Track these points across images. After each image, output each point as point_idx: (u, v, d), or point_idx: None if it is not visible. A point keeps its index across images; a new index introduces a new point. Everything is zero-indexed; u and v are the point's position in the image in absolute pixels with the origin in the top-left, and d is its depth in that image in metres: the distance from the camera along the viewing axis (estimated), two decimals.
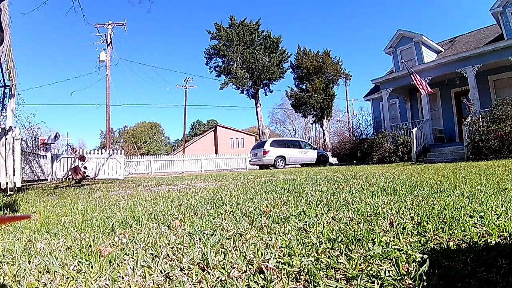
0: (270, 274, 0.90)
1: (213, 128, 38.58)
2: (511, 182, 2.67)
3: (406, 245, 1.08)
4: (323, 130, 30.13)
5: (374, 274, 0.88)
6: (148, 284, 0.91)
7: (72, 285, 0.93)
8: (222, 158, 22.48)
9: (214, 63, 26.81)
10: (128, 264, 1.06)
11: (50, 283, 0.95)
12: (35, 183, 8.63)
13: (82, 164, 9.03)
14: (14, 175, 5.52)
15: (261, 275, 0.91)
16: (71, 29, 66.69)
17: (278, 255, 1.06)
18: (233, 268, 0.99)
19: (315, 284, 0.85)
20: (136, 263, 1.04)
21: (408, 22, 76.96)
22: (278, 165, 14.62)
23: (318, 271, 0.90)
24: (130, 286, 0.91)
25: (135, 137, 49.03)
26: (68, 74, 77.72)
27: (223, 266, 0.99)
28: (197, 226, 1.60)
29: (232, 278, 0.90)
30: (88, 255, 1.16)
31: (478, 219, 1.39)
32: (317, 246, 1.13)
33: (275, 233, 1.36)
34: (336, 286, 0.83)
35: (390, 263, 0.96)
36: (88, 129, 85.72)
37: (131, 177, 12.91)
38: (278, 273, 0.92)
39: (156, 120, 68.93)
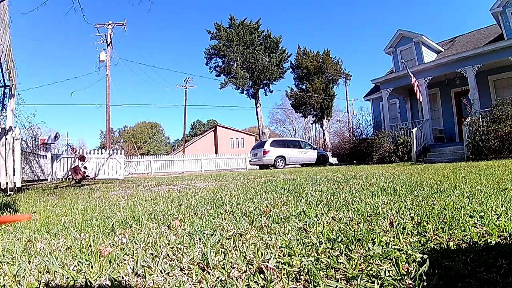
0: (270, 274, 0.90)
1: (213, 128, 38.57)
2: (511, 182, 2.67)
3: (406, 245, 1.08)
4: (323, 130, 30.12)
5: (374, 274, 0.88)
6: (148, 284, 0.91)
7: (72, 285, 0.93)
8: (222, 158, 22.48)
9: (214, 63, 26.83)
10: (128, 264, 1.06)
11: (50, 283, 0.95)
12: (35, 183, 8.63)
13: (82, 164, 9.03)
14: (14, 175, 5.52)
15: (261, 275, 0.91)
16: (71, 29, 66.79)
17: (278, 255, 1.06)
18: (233, 268, 0.99)
19: (315, 284, 0.85)
20: (136, 263, 1.04)
21: (408, 22, 76.98)
22: (278, 165, 14.62)
23: (318, 271, 0.90)
24: (130, 286, 0.91)
25: (135, 137, 49.04)
26: (68, 74, 77.74)
27: (223, 266, 0.99)
28: (197, 226, 1.60)
29: (232, 278, 0.90)
30: (88, 255, 1.16)
31: (478, 219, 1.39)
32: (317, 246, 1.13)
33: (275, 233, 1.36)
34: (336, 286, 0.83)
35: (390, 263, 0.95)
36: (88, 129, 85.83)
37: (131, 177, 12.91)
38: (278, 273, 0.92)
39: (156, 120, 68.97)
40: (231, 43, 25.18)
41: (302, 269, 0.94)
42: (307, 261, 0.97)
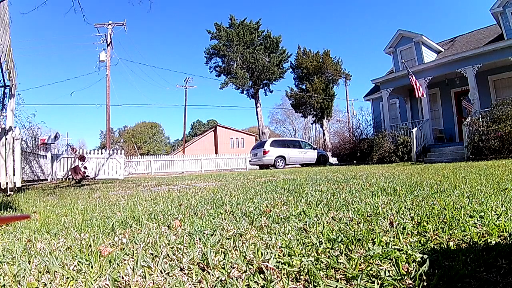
0: (270, 274, 0.90)
1: (213, 128, 38.55)
2: (511, 182, 2.67)
3: (406, 245, 1.08)
4: (323, 130, 30.12)
5: (374, 274, 0.88)
6: (148, 284, 0.91)
7: (72, 285, 0.93)
8: (222, 158, 22.48)
9: (214, 63, 26.83)
10: (128, 264, 1.06)
11: (50, 283, 0.95)
12: (35, 183, 8.63)
13: (82, 164, 9.03)
14: (14, 175, 5.52)
15: (261, 275, 0.91)
16: (71, 29, 66.71)
17: (278, 255, 1.06)
18: (233, 268, 0.99)
19: (315, 284, 0.85)
20: (136, 263, 1.04)
21: (408, 22, 76.98)
22: (278, 165, 14.62)
23: (318, 271, 0.90)
24: (130, 286, 0.91)
25: (135, 137, 49.02)
26: (68, 74, 77.77)
27: (223, 266, 0.99)
28: (197, 226, 1.60)
29: (232, 278, 0.90)
30: (88, 255, 1.16)
31: (478, 219, 1.39)
32: (317, 246, 1.13)
33: (275, 233, 1.35)
34: (336, 286, 0.83)
35: (390, 263, 0.95)
36: (88, 129, 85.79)
37: (131, 177, 12.91)
38: (278, 273, 0.92)
39: (156, 120, 68.93)
40: (231, 43, 25.18)
41: (302, 269, 0.94)
42: (307, 261, 0.97)
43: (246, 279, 0.89)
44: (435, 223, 1.35)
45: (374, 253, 1.01)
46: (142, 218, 1.90)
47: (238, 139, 37.44)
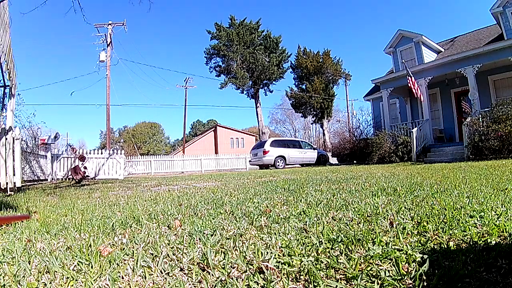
0: (270, 274, 0.90)
1: (213, 128, 38.55)
2: (511, 182, 2.67)
3: (406, 245, 1.08)
4: (323, 130, 30.12)
5: (374, 274, 0.88)
6: (148, 284, 0.91)
7: (72, 285, 0.93)
8: (222, 158, 22.48)
9: (214, 63, 26.84)
10: (128, 264, 1.06)
11: (50, 283, 0.95)
12: (35, 183, 8.63)
13: (82, 164, 9.04)
14: (14, 175, 5.52)
15: (261, 275, 0.91)
16: (71, 29, 66.70)
17: (278, 255, 1.06)
18: (233, 268, 0.99)
19: (315, 284, 0.85)
20: (136, 263, 1.04)
21: (408, 22, 76.98)
22: (278, 165, 14.62)
23: (318, 271, 0.90)
24: (130, 286, 0.91)
25: (135, 137, 49.03)
26: (68, 74, 77.74)
27: (223, 266, 0.99)
28: (197, 226, 1.60)
29: (232, 278, 0.90)
30: (88, 255, 1.16)
31: (478, 219, 1.39)
32: (317, 246, 1.13)
33: (275, 233, 1.35)
34: (336, 286, 0.83)
35: (390, 263, 0.95)
36: (88, 129, 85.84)
37: (131, 177, 12.91)
38: (278, 273, 0.92)
39: (156, 120, 68.94)
40: (231, 43, 25.18)
41: (302, 269, 0.93)
42: (307, 261, 0.97)
43: (246, 279, 0.89)
44: (435, 223, 1.35)
45: (374, 253, 1.01)
46: (142, 218, 1.90)
47: (238, 139, 37.44)
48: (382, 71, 43.07)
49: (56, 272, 1.02)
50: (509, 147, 8.22)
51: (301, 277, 0.90)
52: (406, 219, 1.49)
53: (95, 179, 10.46)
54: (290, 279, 0.90)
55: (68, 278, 0.97)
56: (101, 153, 11.60)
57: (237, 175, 8.73)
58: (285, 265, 0.97)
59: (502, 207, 1.60)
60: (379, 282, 0.83)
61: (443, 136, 12.82)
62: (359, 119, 16.99)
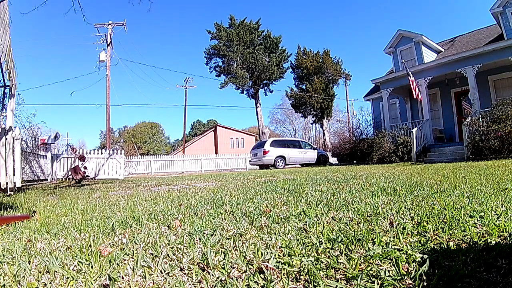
0: (270, 274, 0.90)
1: (213, 128, 38.55)
2: (511, 182, 2.67)
3: (406, 245, 1.08)
4: (323, 130, 30.13)
5: (374, 274, 0.88)
6: (148, 284, 0.91)
7: (72, 285, 0.93)
8: (222, 158, 22.48)
9: (214, 63, 26.85)
10: (128, 264, 1.06)
11: (50, 283, 0.95)
12: (35, 183, 8.63)
13: (82, 164, 9.03)
14: (14, 175, 5.52)
15: (261, 275, 0.91)
16: (71, 29, 66.74)
17: (278, 255, 1.06)
18: (233, 268, 0.99)
19: (315, 284, 0.85)
20: (136, 263, 1.04)
21: (408, 22, 77.00)
22: (278, 165, 14.62)
23: (318, 271, 0.90)
24: (130, 286, 0.91)
25: (135, 137, 49.01)
26: (68, 74, 77.77)
27: (223, 266, 0.99)
28: (197, 226, 1.60)
29: (232, 278, 0.90)
30: (88, 255, 1.16)
31: (478, 219, 1.39)
32: (317, 246, 1.13)
33: (275, 233, 1.35)
34: (336, 286, 0.83)
35: (390, 263, 0.95)
36: (88, 129, 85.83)
37: (131, 177, 12.91)
38: (278, 273, 0.92)
39: (156, 120, 68.98)
40: (231, 43, 25.18)
41: (302, 269, 0.93)
42: (307, 261, 0.97)
43: (246, 279, 0.89)
44: (435, 223, 1.35)
45: (374, 253, 1.01)
46: (142, 218, 1.90)
47: (238, 139, 37.44)
48: (382, 71, 43.10)
49: (56, 272, 1.02)
50: (509, 147, 8.22)
51: (301, 277, 0.90)
52: (406, 219, 1.49)
53: (95, 179, 10.46)
54: (290, 279, 0.90)
55: (68, 278, 0.97)
56: (101, 153, 11.60)
57: (237, 175, 8.73)
58: (285, 265, 0.97)
59: (502, 207, 1.60)
60: (379, 282, 0.83)
61: (443, 136, 12.82)
62: (359, 119, 16.99)
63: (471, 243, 1.08)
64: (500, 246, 1.03)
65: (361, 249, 1.09)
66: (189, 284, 0.90)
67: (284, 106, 44.95)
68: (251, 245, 1.20)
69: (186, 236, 1.41)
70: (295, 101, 29.05)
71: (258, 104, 27.25)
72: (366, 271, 0.90)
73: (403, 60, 12.92)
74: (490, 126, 8.65)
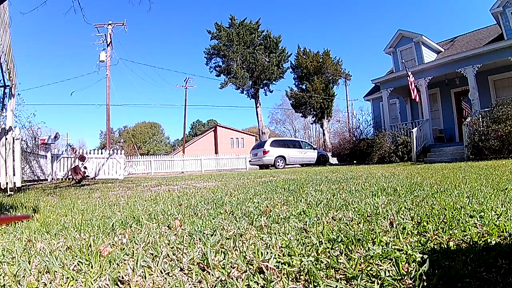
0: (270, 274, 0.90)
1: (213, 128, 38.55)
2: (511, 182, 2.67)
3: (406, 245, 1.08)
4: (323, 130, 30.12)
5: (374, 274, 0.88)
6: (148, 284, 0.91)
7: (72, 285, 0.93)
8: (222, 158, 22.48)
9: (214, 63, 26.83)
10: (128, 264, 1.06)
11: (50, 283, 0.95)
12: (35, 183, 8.63)
13: (82, 164, 9.03)
14: (14, 175, 5.52)
15: (261, 275, 0.91)
16: (71, 29, 66.74)
17: (278, 255, 1.06)
18: (233, 268, 0.99)
19: (315, 284, 0.85)
20: (136, 263, 1.04)
21: (408, 22, 77.00)
22: (278, 165, 14.62)
23: (318, 271, 0.90)
24: (130, 286, 0.91)
25: (135, 137, 49.00)
26: (68, 74, 77.77)
27: (223, 266, 0.99)
28: (197, 226, 1.60)
29: (232, 278, 0.90)
30: (88, 255, 1.16)
31: (478, 219, 1.39)
32: (317, 246, 1.13)
33: (275, 233, 1.35)
34: (336, 286, 0.83)
35: (390, 263, 0.95)
36: (88, 129, 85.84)
37: (131, 177, 12.91)
38: (278, 273, 0.92)
39: (156, 120, 68.97)
40: (231, 43, 25.18)
41: (302, 269, 0.93)
42: (307, 261, 0.97)
43: (246, 279, 0.89)
44: (435, 223, 1.35)
45: (374, 253, 1.01)
46: (142, 218, 1.90)
47: (238, 139, 37.44)
48: (382, 71, 43.09)
49: (56, 272, 1.02)
50: (509, 147, 8.22)
51: (301, 277, 0.90)
52: (406, 219, 1.49)
53: (95, 179, 10.46)
54: (290, 279, 0.90)
55: (68, 278, 0.97)
56: (101, 153, 11.60)
57: (237, 175, 8.73)
58: (285, 265, 0.97)
59: (502, 207, 1.60)
60: (379, 282, 0.83)
61: (443, 136, 12.82)
62: (359, 119, 17.00)
63: (471, 243, 1.08)
64: (500, 246, 1.03)
65: (361, 249, 1.09)
66: (189, 284, 0.90)
67: (284, 106, 44.98)
68: (251, 245, 1.20)
69: (186, 236, 1.41)
70: (295, 101, 29.04)
71: (258, 104, 27.25)
72: (366, 271, 0.90)
73: (403, 60, 12.92)
74: (490, 126, 8.65)
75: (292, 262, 0.99)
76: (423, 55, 12.89)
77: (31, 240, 1.51)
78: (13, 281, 0.95)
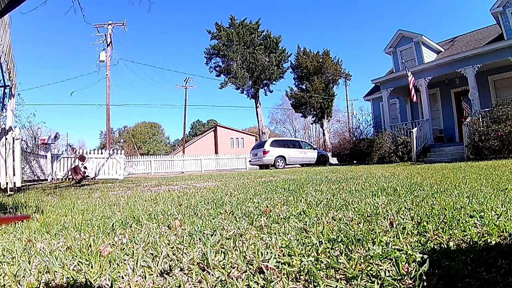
0: (270, 274, 0.90)
1: (213, 128, 38.55)
2: (511, 182, 2.67)
3: (406, 245, 1.07)
4: (323, 130, 30.12)
5: (374, 274, 0.88)
6: (148, 284, 0.91)
7: (72, 285, 0.93)
8: (222, 158, 22.47)
9: (214, 63, 26.82)
10: (128, 264, 1.06)
11: (50, 283, 0.95)
12: (35, 183, 8.63)
13: (82, 164, 9.03)
14: (14, 175, 5.52)
15: (261, 275, 0.91)
16: (71, 29, 66.73)
17: (278, 255, 1.06)
18: (233, 268, 0.99)
19: (315, 284, 0.85)
20: (136, 263, 1.04)
21: (408, 22, 76.99)
22: (278, 165, 14.62)
23: (318, 271, 0.90)
24: (130, 286, 0.91)
25: (135, 137, 48.98)
26: (68, 74, 77.76)
27: (223, 266, 0.99)
28: (197, 226, 1.60)
29: (232, 278, 0.90)
30: (88, 255, 1.16)
31: (478, 219, 1.39)
32: (317, 246, 1.13)
33: (275, 233, 1.35)
34: (336, 286, 0.83)
35: (390, 263, 0.95)
36: (88, 129, 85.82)
37: (131, 177, 12.91)
38: (278, 273, 0.92)
39: (156, 120, 68.98)
40: (231, 43, 25.17)
41: (302, 269, 0.93)
42: (307, 261, 0.97)
43: (246, 279, 0.89)
44: (435, 223, 1.35)
45: (374, 253, 1.01)
46: (142, 218, 1.90)
47: (238, 139, 37.44)
48: (382, 71, 43.09)
49: (56, 272, 1.02)
50: (509, 147, 8.22)
51: (301, 277, 0.90)
52: (406, 219, 1.49)
53: (95, 179, 10.46)
54: (290, 279, 0.90)
55: (68, 278, 0.97)
56: (101, 153, 11.60)
57: (237, 175, 8.73)
58: (285, 265, 0.97)
59: (502, 207, 1.60)
60: (379, 282, 0.83)
61: (443, 136, 12.82)
62: (359, 119, 16.98)
63: (471, 243, 1.08)
64: (500, 246, 1.03)
65: (361, 249, 1.09)
66: (189, 284, 0.90)
67: (284, 106, 44.97)
68: (251, 245, 1.20)
69: (186, 236, 1.41)
70: (295, 101, 29.04)
71: (258, 104, 27.24)
72: (366, 271, 0.90)
73: (403, 60, 12.92)
74: (490, 126, 8.65)
75: (292, 262, 0.99)
76: (423, 55, 12.88)
77: (31, 240, 1.51)
78: (13, 281, 0.95)
